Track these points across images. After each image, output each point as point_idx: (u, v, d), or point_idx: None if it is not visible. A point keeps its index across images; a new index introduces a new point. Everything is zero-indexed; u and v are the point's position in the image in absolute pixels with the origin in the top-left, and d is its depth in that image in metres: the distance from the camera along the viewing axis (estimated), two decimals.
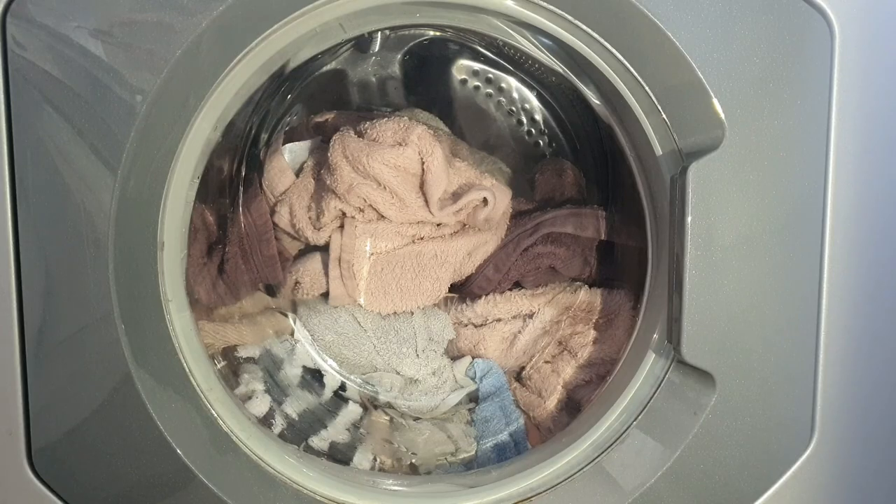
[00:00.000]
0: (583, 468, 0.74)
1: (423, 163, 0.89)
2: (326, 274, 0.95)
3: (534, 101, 1.05)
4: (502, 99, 1.05)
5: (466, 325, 0.98)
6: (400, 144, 0.88)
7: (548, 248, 0.97)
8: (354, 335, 0.96)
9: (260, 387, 0.89)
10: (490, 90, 1.05)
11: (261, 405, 0.87)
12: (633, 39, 0.67)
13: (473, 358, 0.98)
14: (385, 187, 0.89)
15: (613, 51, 0.68)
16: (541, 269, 0.98)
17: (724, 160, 0.65)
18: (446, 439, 0.93)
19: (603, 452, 0.74)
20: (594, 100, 0.80)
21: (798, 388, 0.68)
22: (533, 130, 1.07)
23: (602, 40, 0.68)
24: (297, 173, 0.97)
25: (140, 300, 0.69)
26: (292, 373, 0.95)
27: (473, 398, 0.98)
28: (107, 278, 0.66)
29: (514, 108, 1.06)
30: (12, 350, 0.67)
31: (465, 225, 0.96)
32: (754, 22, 0.64)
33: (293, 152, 0.97)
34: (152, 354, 0.69)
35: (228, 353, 0.90)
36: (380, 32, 0.97)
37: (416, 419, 0.97)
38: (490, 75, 1.04)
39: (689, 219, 0.66)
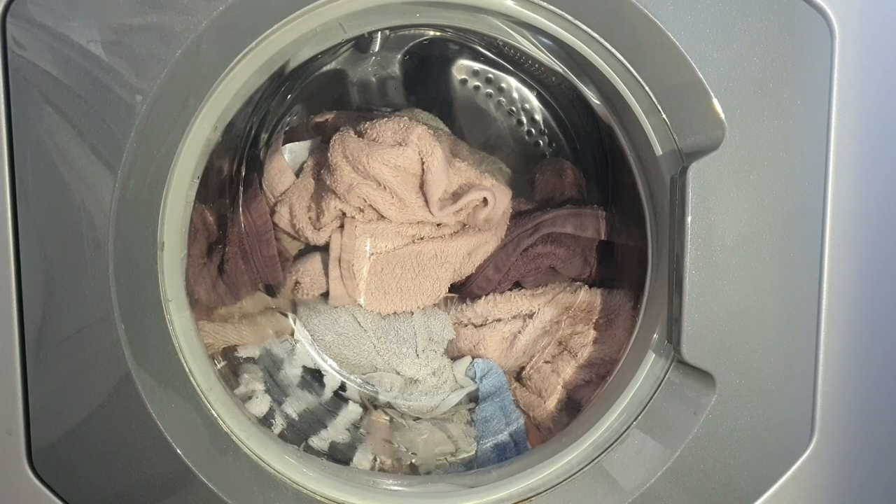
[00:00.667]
0: (583, 468, 0.74)
1: (423, 163, 0.89)
2: (326, 274, 0.95)
3: (534, 101, 1.05)
4: (502, 99, 1.05)
5: (466, 325, 0.98)
6: (400, 144, 0.88)
7: (548, 249, 0.97)
8: (354, 335, 0.96)
9: (260, 387, 0.89)
10: (490, 90, 1.05)
11: (261, 405, 0.87)
12: (633, 39, 0.67)
13: (473, 358, 0.98)
14: (385, 187, 0.89)
15: (613, 51, 0.68)
16: (541, 269, 0.98)
17: (724, 160, 0.65)
18: (446, 439, 0.93)
19: (603, 452, 0.74)
20: (594, 100, 0.80)
21: (798, 388, 0.68)
22: (533, 130, 1.07)
23: (602, 40, 0.68)
24: (297, 173, 0.97)
25: (140, 300, 0.69)
26: (292, 373, 0.95)
27: (473, 398, 0.98)
28: (107, 278, 0.66)
29: (514, 108, 1.06)
30: (12, 350, 0.67)
31: (464, 225, 0.96)
32: (754, 22, 0.64)
33: (293, 152, 0.97)
34: (152, 354, 0.69)
35: (228, 353, 0.90)
36: (380, 32, 0.97)
37: (416, 419, 0.97)
38: (490, 75, 1.04)
39: (689, 219, 0.66)
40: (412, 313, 0.97)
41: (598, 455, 0.74)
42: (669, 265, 0.71)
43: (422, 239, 0.95)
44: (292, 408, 0.91)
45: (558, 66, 0.78)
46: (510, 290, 0.98)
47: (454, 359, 0.99)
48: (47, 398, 0.68)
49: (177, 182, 0.69)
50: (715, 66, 0.64)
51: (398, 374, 0.97)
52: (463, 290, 1.01)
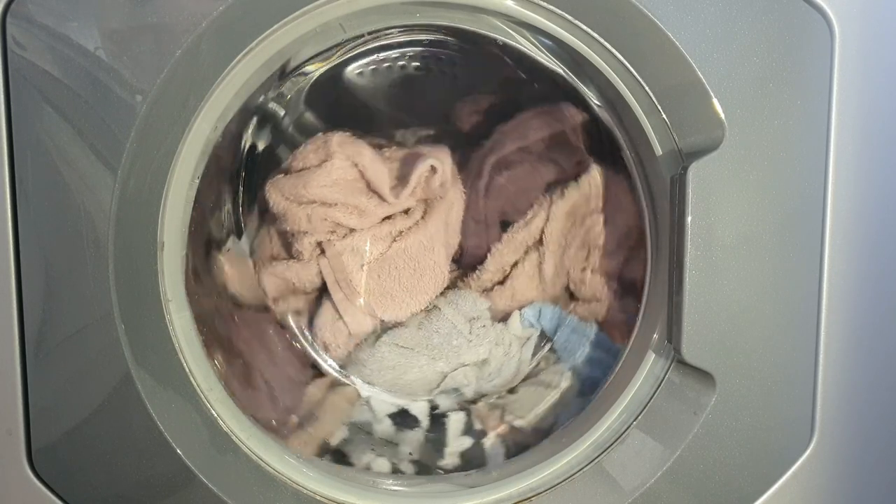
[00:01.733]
0: (583, 468, 0.74)
1: (356, 165, 0.89)
2: (339, 313, 0.95)
3: None
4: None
5: (492, 288, 0.96)
6: (325, 160, 0.89)
7: (504, 176, 0.95)
8: (405, 359, 0.95)
9: (370, 455, 0.89)
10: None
11: (383, 468, 0.87)
12: (633, 39, 0.67)
13: (520, 310, 0.96)
14: (336, 203, 0.89)
15: (613, 51, 0.68)
16: (516, 196, 0.96)
17: (724, 160, 0.65)
18: (546, 389, 0.92)
19: (603, 452, 0.74)
20: (594, 101, 0.80)
21: (798, 388, 0.68)
22: None
23: (602, 40, 0.68)
24: (253, 251, 0.96)
25: (140, 300, 0.69)
26: (384, 427, 0.94)
27: (545, 340, 0.97)
28: (107, 278, 0.66)
29: None
30: (12, 350, 0.67)
31: (427, 201, 0.95)
32: (754, 22, 0.64)
33: (236, 245, 0.96)
34: (152, 354, 0.69)
35: (325, 445, 0.90)
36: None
37: (512, 391, 0.96)
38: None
39: (689, 219, 0.66)
40: (439, 308, 0.96)
41: (598, 455, 0.74)
42: (669, 265, 0.71)
43: (401, 234, 0.94)
44: (409, 450, 0.91)
45: (558, 67, 0.78)
46: (505, 232, 0.96)
47: (503, 321, 0.97)
48: (47, 398, 0.68)
49: (177, 182, 0.69)
50: (715, 66, 0.64)
51: (466, 365, 0.95)
52: (466, 260, 0.99)
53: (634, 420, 0.74)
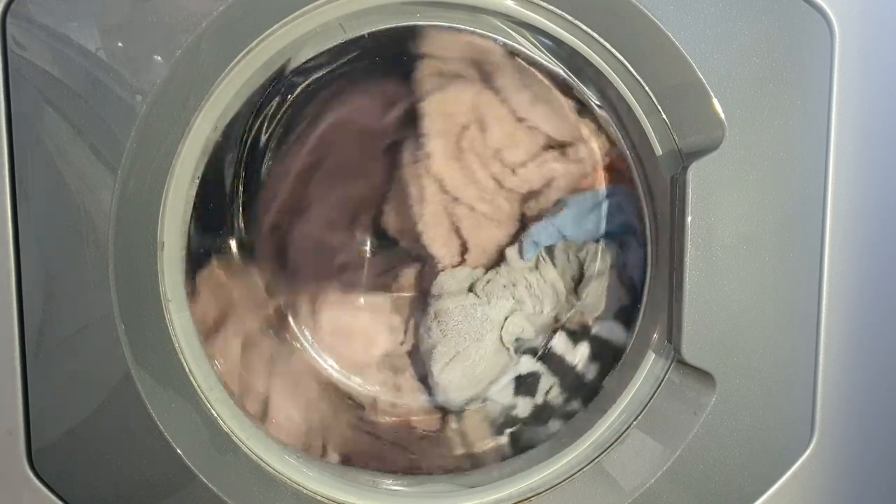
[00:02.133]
0: (583, 468, 0.74)
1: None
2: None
3: None
4: None
5: (462, 262, 0.94)
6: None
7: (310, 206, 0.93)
8: (463, 363, 0.94)
9: (544, 425, 0.91)
10: None
11: (557, 427, 0.89)
12: (633, 39, 0.67)
13: (513, 245, 0.94)
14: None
15: (613, 51, 0.68)
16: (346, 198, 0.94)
17: (724, 160, 0.65)
18: (601, 275, 0.92)
19: (603, 452, 0.74)
20: (595, 101, 0.80)
21: (798, 388, 0.68)
22: None
23: (602, 40, 0.68)
24: None
25: (140, 300, 0.69)
26: (522, 405, 0.95)
27: (554, 248, 0.96)
28: (107, 278, 0.66)
29: None
30: (12, 350, 0.67)
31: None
32: (754, 22, 0.64)
33: None
34: (152, 354, 0.69)
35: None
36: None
37: (576, 298, 0.95)
38: None
39: (689, 219, 0.66)
40: (440, 309, 0.95)
41: (598, 455, 0.74)
42: (670, 265, 0.71)
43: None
44: (557, 396, 0.92)
45: (558, 67, 0.78)
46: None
47: (501, 264, 0.95)
48: (47, 398, 0.68)
49: (177, 182, 0.69)
50: (715, 66, 0.64)
51: (507, 319, 0.94)
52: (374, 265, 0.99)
53: (634, 420, 0.74)
